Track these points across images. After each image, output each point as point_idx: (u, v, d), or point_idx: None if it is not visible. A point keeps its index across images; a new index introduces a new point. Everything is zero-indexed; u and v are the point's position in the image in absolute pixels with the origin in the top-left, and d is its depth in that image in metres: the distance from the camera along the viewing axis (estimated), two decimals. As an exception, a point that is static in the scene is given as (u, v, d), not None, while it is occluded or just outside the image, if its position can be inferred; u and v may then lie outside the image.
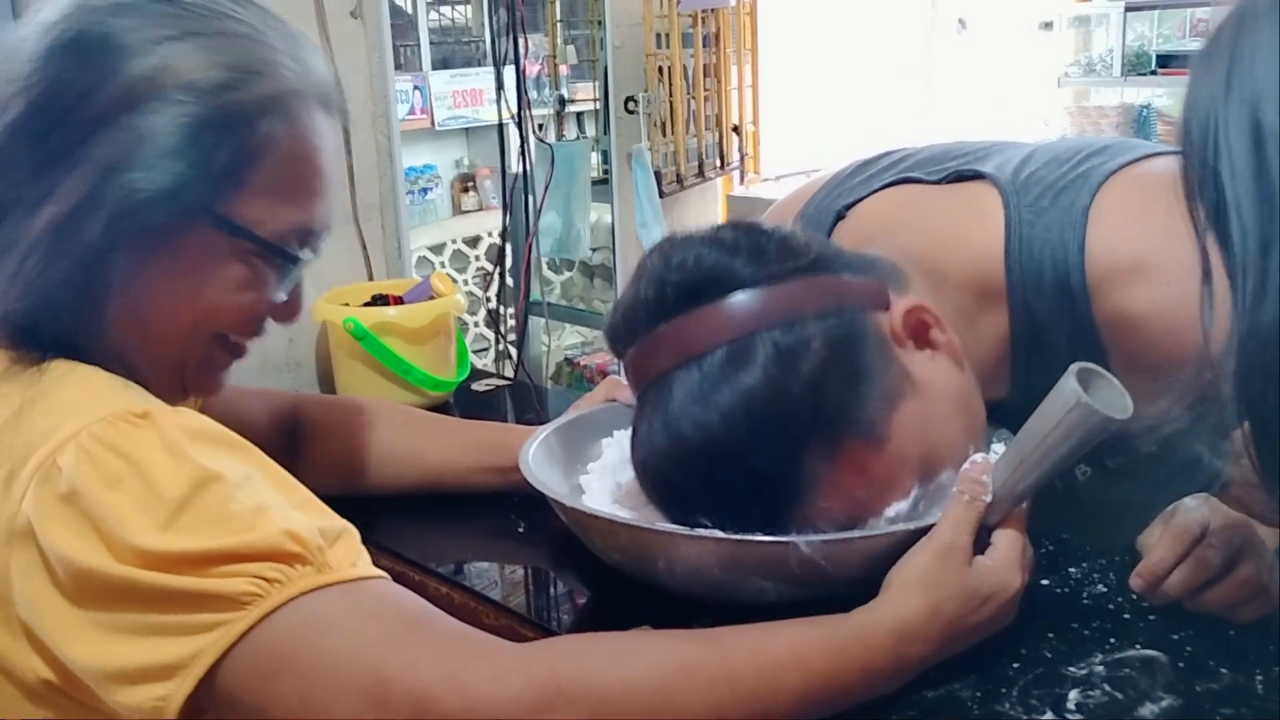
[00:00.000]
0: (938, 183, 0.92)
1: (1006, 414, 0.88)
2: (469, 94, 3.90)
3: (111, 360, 0.71)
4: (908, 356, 0.77)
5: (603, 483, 0.94)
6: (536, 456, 0.92)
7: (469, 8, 4.21)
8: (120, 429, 0.64)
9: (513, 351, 2.07)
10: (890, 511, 0.76)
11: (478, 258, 3.94)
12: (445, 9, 4.18)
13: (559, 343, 2.71)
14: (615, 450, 0.97)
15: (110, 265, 0.69)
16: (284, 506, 0.64)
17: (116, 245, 0.69)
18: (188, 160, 0.69)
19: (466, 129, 4.06)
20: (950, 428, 0.79)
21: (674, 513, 0.78)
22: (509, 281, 2.06)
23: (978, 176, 0.89)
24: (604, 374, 2.33)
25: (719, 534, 0.76)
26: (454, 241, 3.90)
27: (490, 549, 1.02)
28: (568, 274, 2.70)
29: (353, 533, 0.67)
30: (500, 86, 1.84)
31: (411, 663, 0.61)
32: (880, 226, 0.91)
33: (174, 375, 0.77)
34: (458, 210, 4.11)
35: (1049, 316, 0.84)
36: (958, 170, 0.91)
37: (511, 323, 2.06)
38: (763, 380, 0.72)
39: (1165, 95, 2.68)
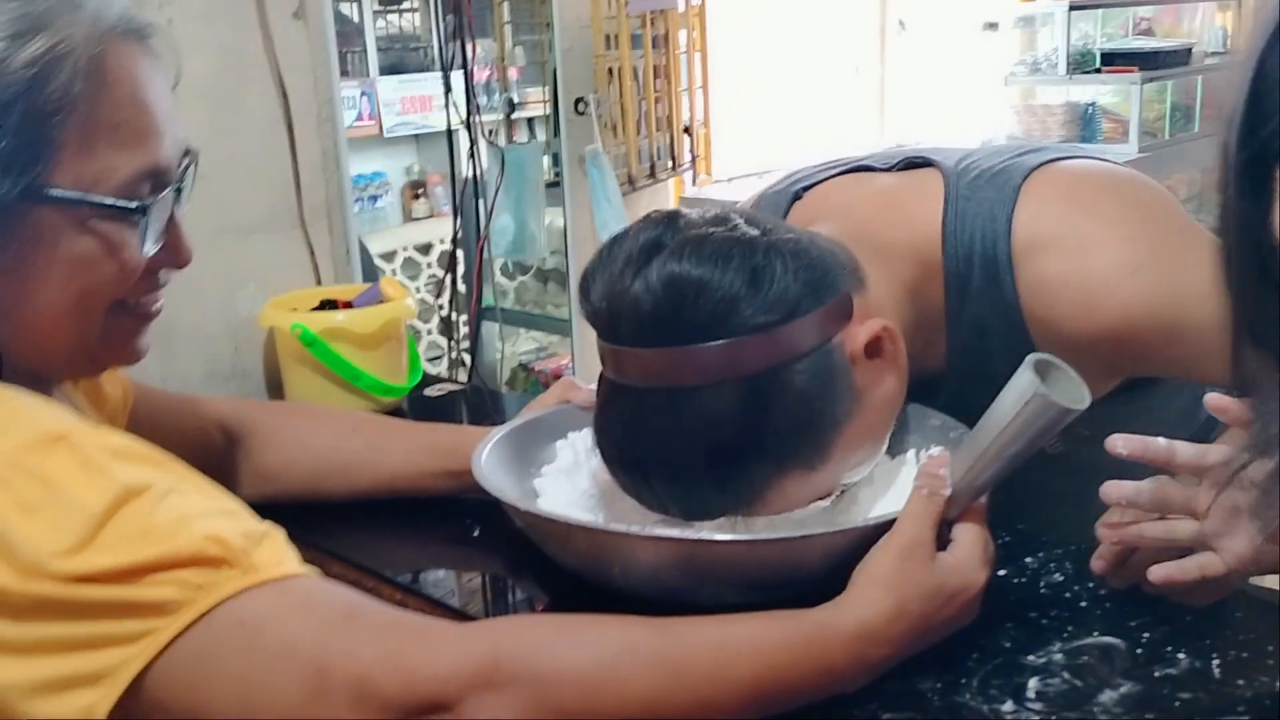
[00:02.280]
0: (889, 169, 0.97)
1: (942, 386, 0.93)
2: (418, 100, 3.87)
3: (8, 365, 0.69)
4: (859, 371, 0.80)
5: (558, 485, 0.93)
6: (489, 460, 0.90)
7: (416, 15, 4.18)
8: (37, 455, 0.62)
9: (466, 358, 2.05)
10: (812, 508, 0.82)
11: (430, 265, 3.91)
12: (392, 16, 4.14)
13: (513, 348, 2.69)
14: (569, 453, 0.96)
15: None
16: (208, 514, 0.63)
17: None
18: None
19: (416, 135, 4.03)
20: (876, 430, 0.84)
21: (633, 490, 0.82)
22: (461, 288, 2.04)
23: (926, 164, 0.95)
24: (559, 377, 2.32)
25: (675, 534, 0.75)
26: (405, 249, 3.86)
27: (446, 555, 1.01)
28: (521, 278, 2.68)
29: (278, 533, 0.66)
30: (449, 90, 1.83)
31: (349, 649, 0.61)
32: (833, 206, 0.96)
33: (80, 355, 0.74)
34: (408, 218, 4.07)
35: (978, 287, 0.89)
36: (908, 158, 0.97)
37: (465, 329, 2.04)
38: (735, 421, 0.76)
39: (1110, 93, 2.72)
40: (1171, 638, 0.77)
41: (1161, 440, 0.74)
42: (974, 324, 0.89)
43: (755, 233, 0.78)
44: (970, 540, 0.75)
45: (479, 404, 1.50)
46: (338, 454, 1.04)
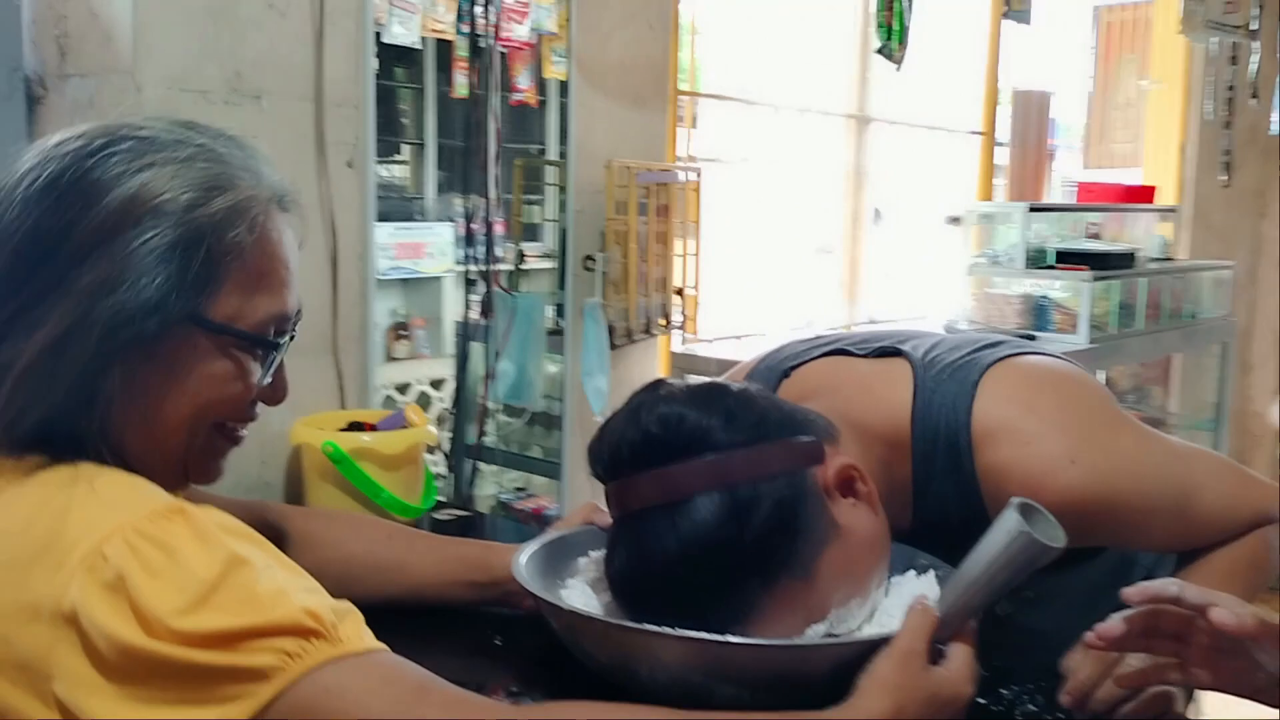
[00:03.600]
0: (865, 355, 1.12)
1: (908, 541, 1.05)
2: (410, 247, 4.03)
3: (118, 458, 0.78)
4: (835, 506, 0.91)
5: (584, 595, 1.01)
6: (527, 567, 1.00)
7: (409, 166, 4.39)
8: (159, 524, 0.71)
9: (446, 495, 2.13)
10: (810, 631, 0.89)
11: (405, 404, 3.99)
12: (383, 169, 4.34)
13: (484, 490, 2.76)
14: (594, 568, 1.05)
15: (108, 376, 0.77)
16: (300, 589, 0.73)
17: (111, 359, 0.76)
18: (167, 275, 0.77)
19: (404, 280, 4.17)
20: (863, 564, 0.93)
21: (638, 617, 0.89)
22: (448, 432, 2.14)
23: (897, 353, 1.10)
24: (538, 517, 2.40)
25: (703, 636, 0.85)
26: (384, 387, 3.95)
27: (471, 660, 1.07)
28: (509, 420, 2.78)
29: (357, 612, 0.75)
30: (469, 242, 1.97)
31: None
32: (817, 386, 1.10)
33: (177, 466, 0.84)
34: (389, 357, 4.16)
35: (942, 467, 1.03)
36: (881, 347, 1.12)
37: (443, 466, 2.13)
38: (720, 529, 0.86)
39: (1061, 288, 2.95)
40: (1131, 760, 0.87)
41: (1173, 583, 0.83)
42: (938, 497, 1.04)
43: (736, 387, 0.93)
44: (961, 656, 0.85)
45: (482, 529, 1.58)
46: (371, 559, 1.12)
